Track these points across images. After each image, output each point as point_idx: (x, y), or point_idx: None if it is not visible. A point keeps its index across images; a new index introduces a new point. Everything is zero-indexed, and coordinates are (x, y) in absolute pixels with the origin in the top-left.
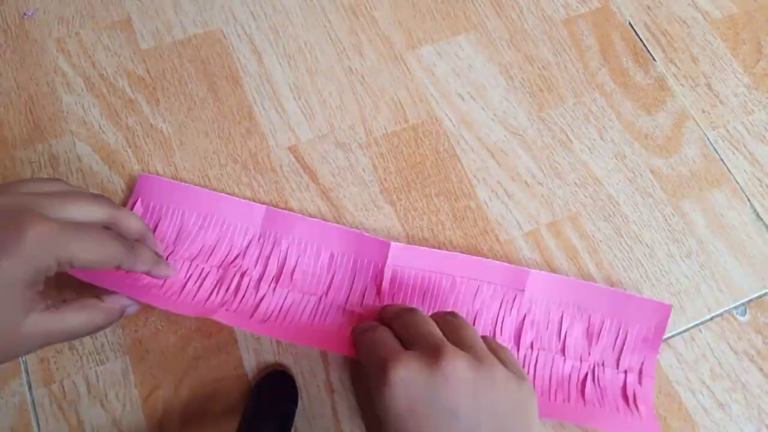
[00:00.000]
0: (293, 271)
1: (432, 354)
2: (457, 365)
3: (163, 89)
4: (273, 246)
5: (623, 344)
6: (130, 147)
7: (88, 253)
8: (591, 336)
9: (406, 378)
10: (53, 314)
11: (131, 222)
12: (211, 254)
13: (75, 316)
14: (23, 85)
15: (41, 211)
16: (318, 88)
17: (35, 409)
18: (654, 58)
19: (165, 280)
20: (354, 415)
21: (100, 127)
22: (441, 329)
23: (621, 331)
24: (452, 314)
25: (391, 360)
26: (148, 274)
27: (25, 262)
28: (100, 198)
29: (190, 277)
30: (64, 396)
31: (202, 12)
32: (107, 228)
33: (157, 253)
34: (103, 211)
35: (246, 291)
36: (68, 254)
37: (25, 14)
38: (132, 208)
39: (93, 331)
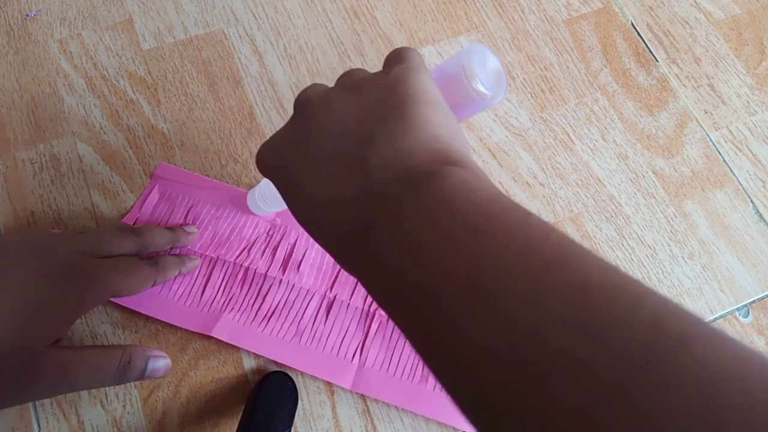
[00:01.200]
0: (300, 263)
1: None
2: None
3: (164, 90)
4: (282, 238)
5: None
6: (131, 147)
7: (125, 282)
8: None
9: None
10: (72, 349)
11: (156, 239)
12: (221, 244)
13: (92, 353)
14: (25, 85)
15: (88, 251)
16: None
17: (36, 409)
18: (656, 59)
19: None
20: (354, 415)
21: (102, 128)
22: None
23: None
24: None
25: None
26: (180, 274)
27: (75, 294)
28: (127, 231)
29: (200, 271)
30: (64, 396)
31: (204, 13)
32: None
33: (178, 255)
34: (131, 242)
35: (251, 284)
36: (111, 286)
37: (27, 15)
38: (149, 195)
39: (105, 377)
